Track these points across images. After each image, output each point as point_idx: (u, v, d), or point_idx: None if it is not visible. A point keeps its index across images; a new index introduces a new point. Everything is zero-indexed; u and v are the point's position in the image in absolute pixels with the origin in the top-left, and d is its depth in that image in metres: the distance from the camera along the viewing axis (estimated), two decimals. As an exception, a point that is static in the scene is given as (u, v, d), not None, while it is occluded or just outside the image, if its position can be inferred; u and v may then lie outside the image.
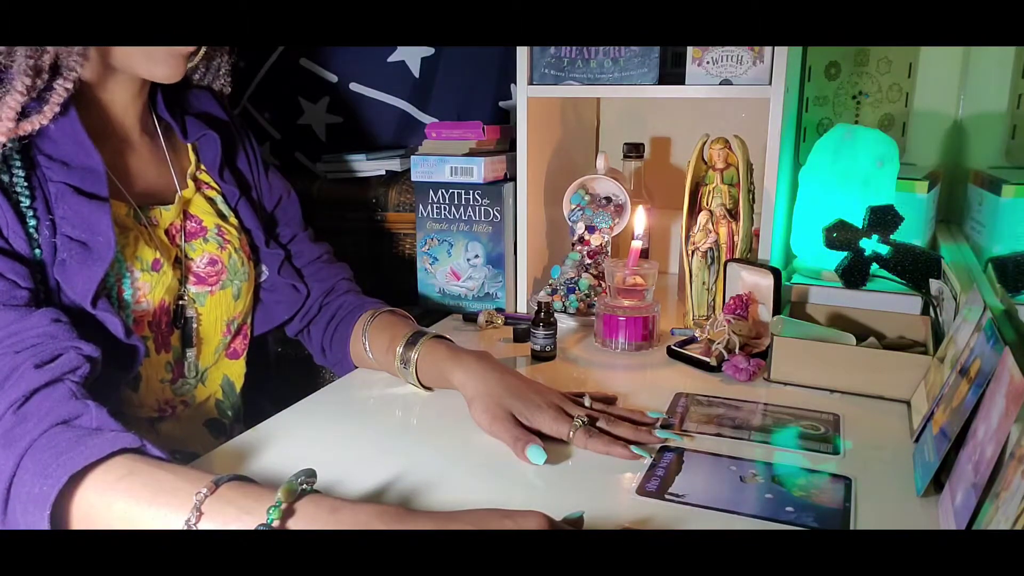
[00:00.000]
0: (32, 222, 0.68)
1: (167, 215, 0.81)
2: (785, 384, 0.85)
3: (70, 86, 0.70)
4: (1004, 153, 1.26)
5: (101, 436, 0.55)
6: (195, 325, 0.82)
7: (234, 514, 0.50)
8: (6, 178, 0.67)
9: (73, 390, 0.60)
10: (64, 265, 0.68)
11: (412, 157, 1.14)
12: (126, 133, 0.81)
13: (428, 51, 1.34)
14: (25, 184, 0.68)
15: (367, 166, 1.32)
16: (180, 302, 0.80)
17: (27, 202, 0.68)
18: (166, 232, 0.81)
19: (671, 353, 0.95)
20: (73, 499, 0.53)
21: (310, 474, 0.54)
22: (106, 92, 0.78)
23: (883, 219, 0.98)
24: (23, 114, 0.68)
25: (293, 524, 0.49)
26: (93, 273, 0.69)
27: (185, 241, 0.82)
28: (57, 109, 0.69)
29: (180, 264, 0.81)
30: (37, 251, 0.68)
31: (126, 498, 0.52)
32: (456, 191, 1.12)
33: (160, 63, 0.75)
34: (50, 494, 0.51)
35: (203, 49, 0.85)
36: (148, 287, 0.76)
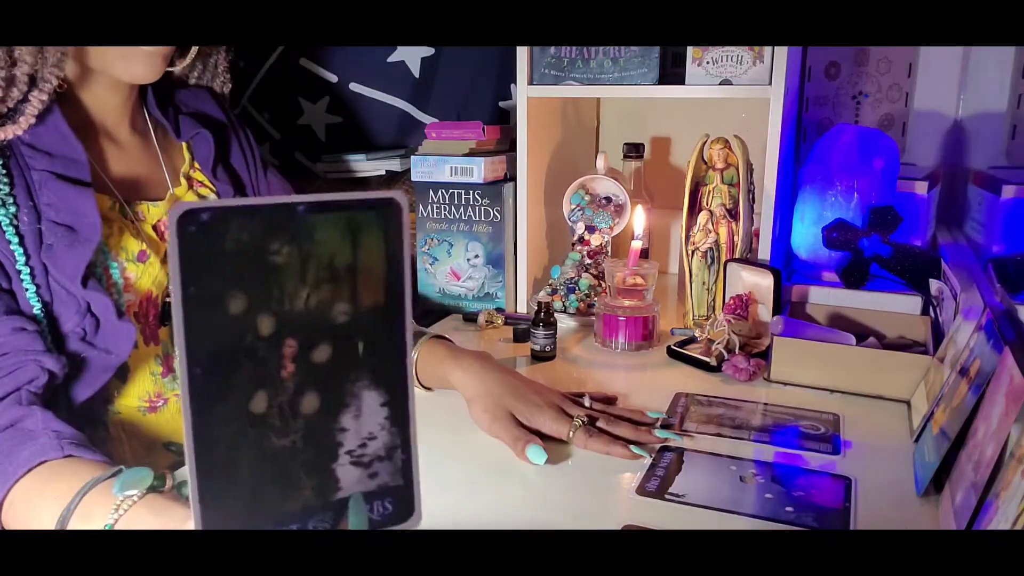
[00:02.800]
0: (12, 208, 0.69)
1: (155, 211, 0.81)
2: (785, 384, 0.85)
3: (45, 98, 0.71)
4: (1004, 153, 1.26)
5: (33, 444, 0.58)
6: None
7: (100, 514, 0.52)
8: None
9: (20, 396, 0.63)
10: (52, 249, 0.69)
11: (412, 157, 1.14)
12: (114, 131, 0.82)
13: (428, 51, 1.34)
14: (3, 172, 0.69)
15: (367, 166, 1.32)
16: (167, 298, 0.80)
17: (6, 189, 0.69)
18: (155, 228, 0.81)
19: (671, 353, 0.95)
20: (4, 502, 0.57)
21: (160, 476, 0.55)
22: (90, 93, 0.79)
23: (883, 219, 0.98)
24: None
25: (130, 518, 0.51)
26: (81, 254, 0.70)
27: None
28: (32, 120, 0.71)
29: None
30: (14, 239, 0.68)
31: (48, 502, 0.54)
32: (456, 191, 1.12)
33: (137, 63, 0.76)
34: None
35: (193, 50, 0.85)
36: (134, 276, 0.77)
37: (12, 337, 0.65)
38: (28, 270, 0.69)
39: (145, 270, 0.77)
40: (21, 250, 0.68)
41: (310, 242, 0.32)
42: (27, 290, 0.68)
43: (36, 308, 0.69)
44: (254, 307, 0.31)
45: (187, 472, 0.31)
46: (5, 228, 0.68)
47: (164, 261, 0.80)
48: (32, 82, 0.70)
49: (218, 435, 0.31)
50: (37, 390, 0.65)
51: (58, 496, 0.54)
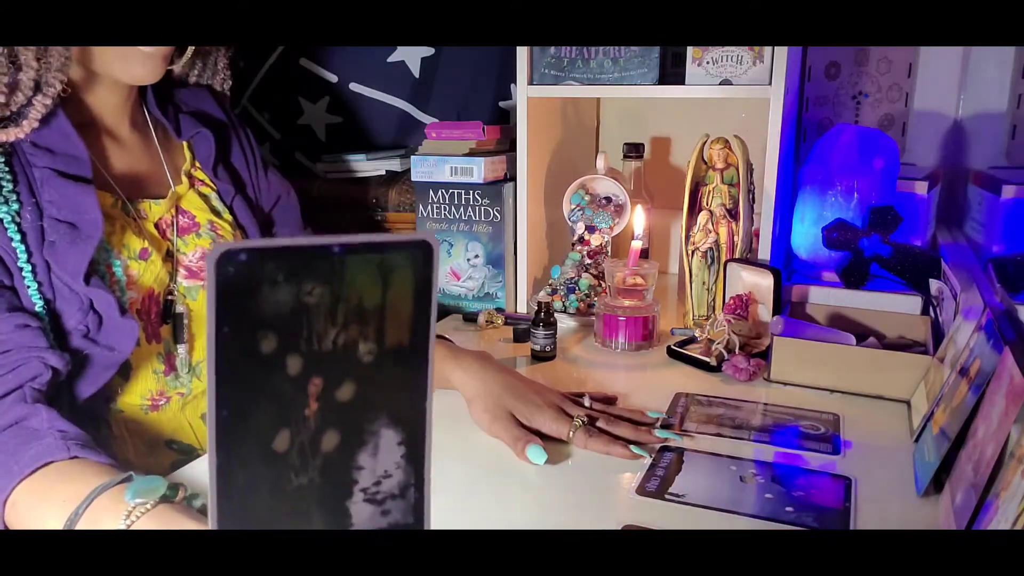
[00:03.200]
0: (15, 206, 0.69)
1: (157, 209, 0.82)
2: (785, 384, 0.85)
3: (49, 102, 0.71)
4: (1004, 153, 1.26)
5: (38, 444, 0.58)
6: (186, 320, 0.82)
7: (110, 518, 0.52)
8: None
9: (25, 394, 0.63)
10: (54, 246, 0.69)
11: (412, 157, 1.14)
12: (115, 129, 0.83)
13: (428, 51, 1.34)
14: (6, 169, 0.70)
15: (367, 166, 1.32)
16: (169, 296, 0.80)
17: (9, 186, 0.69)
18: (156, 226, 0.82)
19: (671, 353, 0.95)
20: (7, 501, 0.57)
21: (174, 487, 0.55)
22: (91, 93, 0.80)
23: (883, 219, 0.98)
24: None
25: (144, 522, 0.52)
26: (83, 251, 0.70)
27: (178, 236, 0.83)
28: (36, 124, 0.71)
29: (171, 258, 0.81)
30: (16, 236, 0.68)
31: (55, 505, 0.54)
32: (456, 191, 1.12)
33: (137, 64, 0.76)
34: None
35: (189, 49, 0.86)
36: (136, 274, 0.77)
37: (15, 334, 0.65)
38: (30, 267, 0.69)
39: (147, 268, 0.77)
40: (23, 247, 0.69)
41: (343, 283, 0.31)
42: (29, 287, 0.69)
43: (38, 305, 0.69)
44: (284, 347, 0.30)
45: (209, 507, 0.31)
46: (7, 225, 0.68)
47: (166, 259, 0.80)
48: (37, 87, 0.70)
49: (240, 471, 0.31)
50: (40, 387, 0.65)
51: (65, 499, 0.54)
